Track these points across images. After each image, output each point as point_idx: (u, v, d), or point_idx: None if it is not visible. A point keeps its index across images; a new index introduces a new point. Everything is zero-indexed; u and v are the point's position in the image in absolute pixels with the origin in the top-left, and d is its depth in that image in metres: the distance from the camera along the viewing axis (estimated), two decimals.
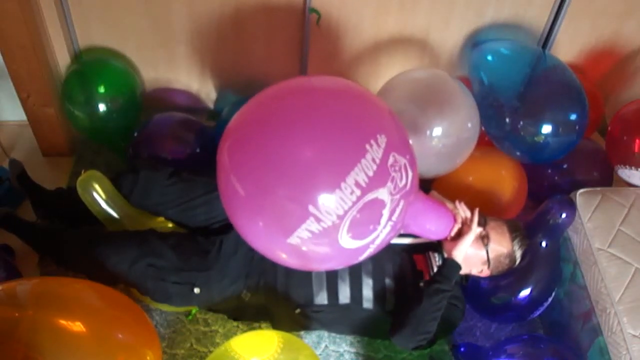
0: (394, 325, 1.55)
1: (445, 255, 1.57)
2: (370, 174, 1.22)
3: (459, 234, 1.53)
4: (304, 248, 1.29)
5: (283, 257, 1.36)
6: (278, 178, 1.22)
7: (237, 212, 1.33)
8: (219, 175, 1.33)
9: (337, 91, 1.36)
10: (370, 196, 1.24)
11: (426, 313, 1.50)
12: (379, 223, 1.29)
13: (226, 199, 1.34)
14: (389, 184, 1.26)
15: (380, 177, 1.24)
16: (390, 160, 1.26)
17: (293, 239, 1.26)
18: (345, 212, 1.23)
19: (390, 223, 1.32)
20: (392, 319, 1.57)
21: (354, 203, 1.22)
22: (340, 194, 1.21)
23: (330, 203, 1.21)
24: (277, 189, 1.23)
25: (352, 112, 1.30)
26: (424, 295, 1.50)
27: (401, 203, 1.32)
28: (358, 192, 1.22)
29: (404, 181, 1.31)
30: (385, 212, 1.29)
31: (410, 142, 1.40)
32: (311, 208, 1.21)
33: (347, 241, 1.28)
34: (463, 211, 1.55)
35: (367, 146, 1.23)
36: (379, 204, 1.26)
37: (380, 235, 1.33)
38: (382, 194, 1.26)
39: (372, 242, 1.33)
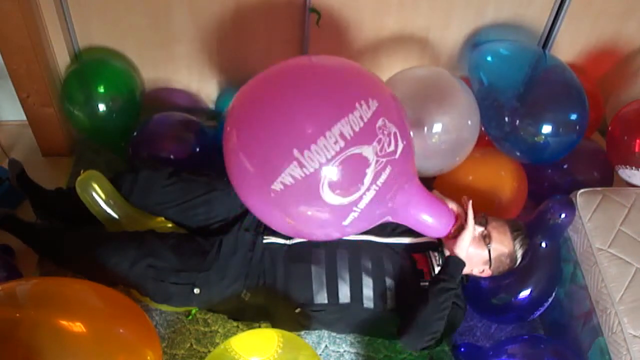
0: (402, 327, 1.54)
1: (447, 253, 1.57)
2: (357, 129, 1.27)
3: (459, 232, 1.54)
4: (288, 200, 1.31)
5: (271, 215, 1.39)
6: (267, 120, 1.30)
7: (230, 156, 1.38)
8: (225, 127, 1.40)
9: (342, 62, 1.44)
10: (353, 150, 1.27)
11: (433, 313, 1.50)
12: (362, 182, 1.31)
13: (225, 146, 1.40)
14: (374, 143, 1.30)
15: (366, 135, 1.28)
16: (379, 123, 1.31)
17: (277, 185, 1.29)
18: (328, 161, 1.26)
19: (374, 187, 1.33)
20: (399, 321, 1.56)
21: (337, 153, 1.26)
22: (325, 142, 1.25)
23: (314, 149, 1.25)
24: (266, 130, 1.29)
25: (350, 77, 1.38)
26: (430, 295, 1.50)
27: (387, 168, 1.33)
28: (342, 143, 1.26)
29: (392, 147, 1.33)
30: (369, 172, 1.31)
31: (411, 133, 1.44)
32: (295, 152, 1.25)
33: (329, 195, 1.30)
34: (457, 208, 1.56)
35: (357, 104, 1.29)
36: (362, 160, 1.29)
37: (364, 198, 1.34)
38: (367, 151, 1.29)
39: (356, 203, 1.34)
